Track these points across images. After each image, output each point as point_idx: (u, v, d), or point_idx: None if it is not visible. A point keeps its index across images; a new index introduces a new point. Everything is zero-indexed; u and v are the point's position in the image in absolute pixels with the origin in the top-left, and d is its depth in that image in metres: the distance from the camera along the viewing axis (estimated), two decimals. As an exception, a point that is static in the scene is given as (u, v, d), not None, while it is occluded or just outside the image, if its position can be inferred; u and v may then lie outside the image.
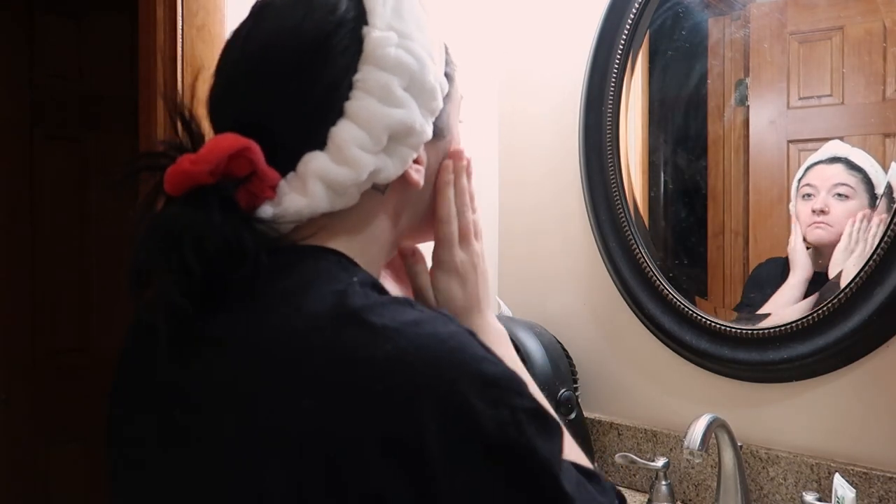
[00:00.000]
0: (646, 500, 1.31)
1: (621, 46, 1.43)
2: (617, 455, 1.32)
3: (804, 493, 1.13)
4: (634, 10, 1.41)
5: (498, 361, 0.50)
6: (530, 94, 1.64)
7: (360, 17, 0.57)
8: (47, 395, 2.35)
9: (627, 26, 1.42)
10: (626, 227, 1.42)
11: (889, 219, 1.10)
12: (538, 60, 1.62)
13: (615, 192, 1.44)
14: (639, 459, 1.30)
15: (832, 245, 1.17)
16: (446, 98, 0.62)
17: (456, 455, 0.46)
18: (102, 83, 2.47)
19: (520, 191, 1.67)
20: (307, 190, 0.54)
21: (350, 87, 0.55)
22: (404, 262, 0.67)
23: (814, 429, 1.21)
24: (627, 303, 1.44)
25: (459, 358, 0.48)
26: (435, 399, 0.46)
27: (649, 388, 1.44)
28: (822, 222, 1.18)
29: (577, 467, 0.53)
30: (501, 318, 1.52)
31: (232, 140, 0.53)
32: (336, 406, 0.46)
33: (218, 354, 0.51)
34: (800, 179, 1.22)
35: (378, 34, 0.56)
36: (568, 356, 1.45)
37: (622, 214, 1.43)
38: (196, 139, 0.55)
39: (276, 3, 0.58)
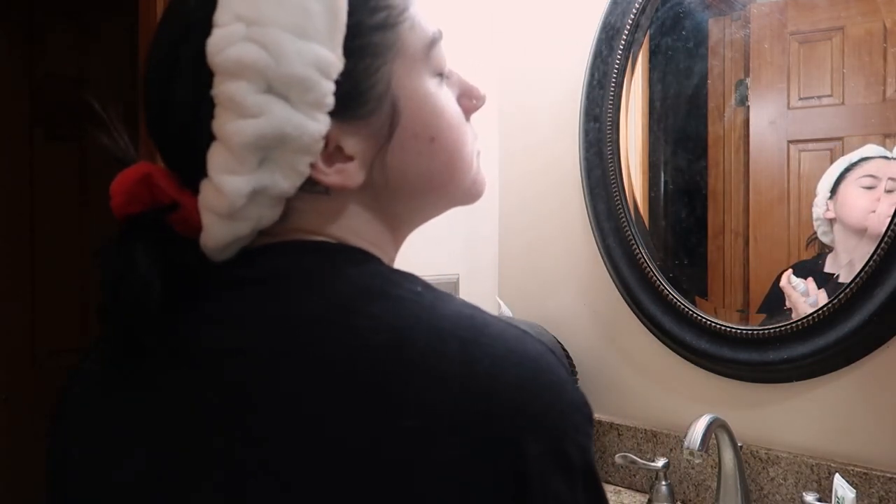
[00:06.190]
0: (646, 500, 1.31)
1: (621, 46, 1.43)
2: (617, 455, 1.32)
3: (804, 494, 1.13)
4: (634, 10, 1.41)
5: (577, 386, 0.48)
6: (530, 93, 1.64)
7: (210, 17, 0.48)
8: (47, 395, 2.34)
9: (627, 26, 1.42)
10: (626, 227, 1.42)
11: (889, 219, 1.10)
12: (538, 60, 1.62)
13: (615, 192, 1.44)
14: (639, 460, 1.30)
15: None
16: (373, 61, 0.51)
17: (553, 478, 0.44)
18: (102, 83, 2.47)
19: (520, 191, 1.67)
20: (203, 221, 0.50)
21: (212, 104, 0.48)
22: None
23: (814, 429, 1.21)
24: (627, 303, 1.44)
25: (549, 380, 0.46)
26: (535, 422, 0.44)
27: (649, 388, 1.44)
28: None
29: None
30: (501, 318, 1.52)
31: (136, 169, 0.51)
32: (433, 428, 0.42)
33: (248, 367, 0.47)
34: (845, 172, 1.19)
35: (218, 33, 0.47)
36: (568, 356, 1.45)
37: (622, 214, 1.43)
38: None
39: (158, 25, 0.54)
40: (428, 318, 0.46)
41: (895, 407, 1.13)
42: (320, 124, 0.49)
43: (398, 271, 0.53)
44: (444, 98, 0.56)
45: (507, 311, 1.57)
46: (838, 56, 1.19)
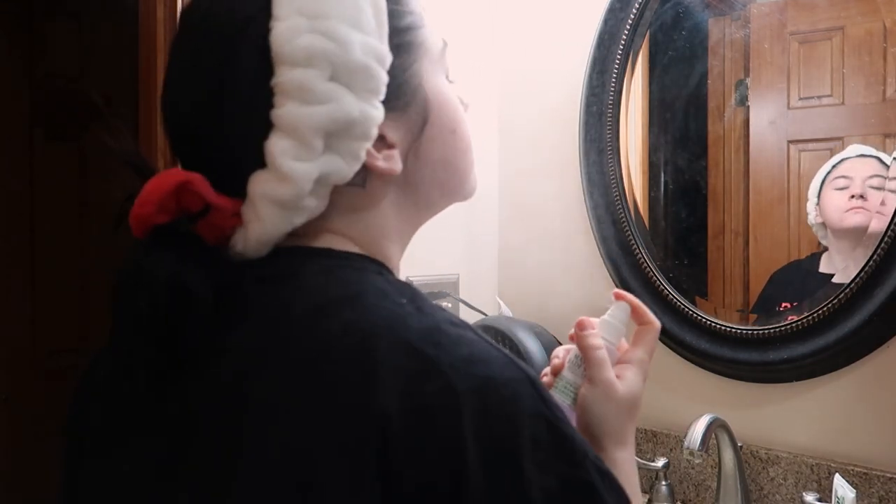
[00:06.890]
0: (646, 500, 1.31)
1: (621, 46, 1.43)
2: (617, 455, 1.32)
3: (804, 494, 1.13)
4: (634, 10, 1.41)
5: (555, 420, 0.45)
6: (530, 94, 1.64)
7: (266, 10, 0.50)
8: (47, 394, 2.35)
9: (627, 26, 1.42)
10: (626, 227, 1.42)
11: (889, 219, 1.10)
12: (538, 61, 1.62)
13: (615, 192, 1.44)
14: (639, 460, 1.30)
15: (865, 230, 1.16)
16: (407, 58, 0.55)
17: None
18: (102, 83, 2.47)
19: (519, 191, 1.67)
20: (259, 214, 0.50)
21: (272, 93, 0.50)
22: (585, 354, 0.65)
23: (814, 429, 1.21)
24: (627, 303, 1.44)
25: (511, 411, 0.44)
26: (482, 450, 0.42)
27: (649, 388, 1.42)
28: (861, 207, 1.17)
29: None
30: (501, 318, 1.52)
31: (173, 176, 0.50)
32: (376, 437, 0.42)
33: (246, 367, 0.48)
34: (827, 175, 1.20)
35: (282, 26, 0.50)
36: (568, 356, 1.45)
37: (622, 214, 1.43)
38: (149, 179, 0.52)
39: (193, 17, 0.54)
40: (398, 328, 0.46)
41: (895, 407, 1.13)
42: (378, 111, 0.52)
43: (393, 281, 0.53)
44: (455, 96, 0.61)
45: (506, 311, 1.57)
46: (838, 56, 1.19)
